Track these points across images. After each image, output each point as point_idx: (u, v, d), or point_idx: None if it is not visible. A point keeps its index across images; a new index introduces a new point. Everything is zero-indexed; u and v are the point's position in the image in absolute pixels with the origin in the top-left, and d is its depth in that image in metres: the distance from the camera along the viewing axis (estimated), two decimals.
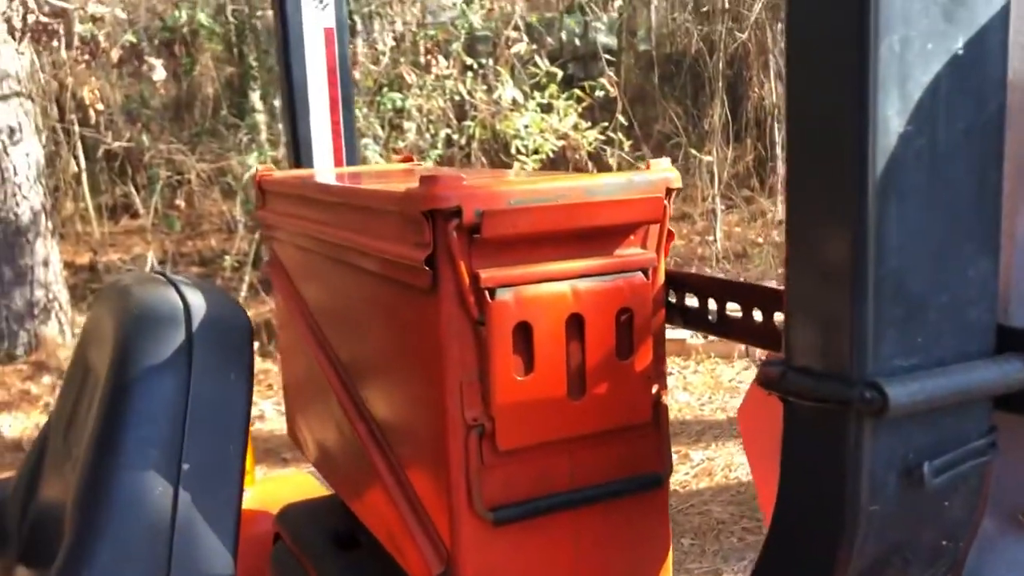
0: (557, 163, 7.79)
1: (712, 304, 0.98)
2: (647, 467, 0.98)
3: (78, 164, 8.23)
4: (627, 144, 8.14)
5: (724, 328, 0.97)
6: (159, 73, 4.96)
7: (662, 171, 0.95)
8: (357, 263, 1.06)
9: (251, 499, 1.84)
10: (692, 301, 1.01)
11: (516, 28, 6.52)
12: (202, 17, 5.41)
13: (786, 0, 0.63)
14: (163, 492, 0.88)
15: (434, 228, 0.86)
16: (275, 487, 1.88)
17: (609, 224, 0.93)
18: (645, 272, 0.95)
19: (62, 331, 5.94)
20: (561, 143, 7.20)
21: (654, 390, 0.97)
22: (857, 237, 0.59)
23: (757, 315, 0.93)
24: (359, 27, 7.34)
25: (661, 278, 0.97)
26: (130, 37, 5.18)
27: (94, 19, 5.15)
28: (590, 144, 7.46)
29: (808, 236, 0.63)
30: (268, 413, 4.91)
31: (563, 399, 0.92)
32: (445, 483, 0.92)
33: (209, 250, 8.83)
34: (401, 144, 6.37)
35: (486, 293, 0.87)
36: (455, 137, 7.06)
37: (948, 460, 0.63)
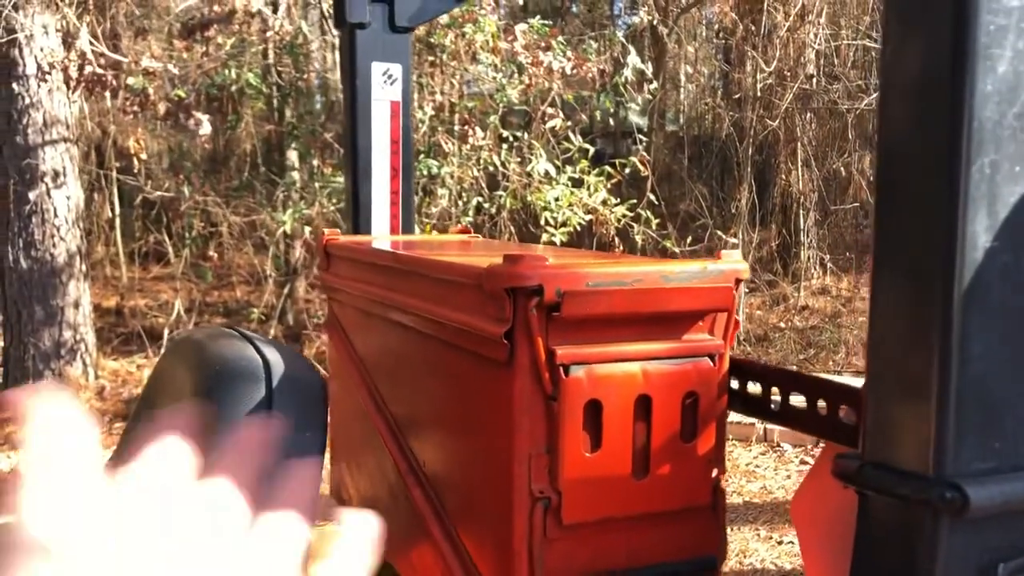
0: (584, 236, 7.88)
1: (775, 394, 1.01)
2: (703, 550, 1.00)
3: (112, 210, 8.40)
4: (655, 222, 8.23)
5: (787, 418, 0.99)
6: (205, 128, 5.10)
7: (733, 262, 0.99)
8: (427, 331, 1.09)
9: None
10: (754, 388, 1.04)
11: (552, 104, 6.67)
12: (251, 77, 5.58)
13: (878, 118, 0.67)
14: None
15: (515, 304, 0.90)
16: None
17: (681, 310, 0.96)
18: (712, 358, 0.98)
19: (86, 372, 5.99)
20: (589, 217, 7.29)
21: (714, 474, 0.99)
22: (942, 346, 0.62)
23: (821, 405, 0.95)
24: None
25: (726, 364, 1.01)
26: (179, 92, 5.34)
27: (146, 73, 5.32)
28: (618, 220, 7.56)
29: (892, 339, 0.66)
30: None
31: (627, 477, 0.94)
32: (507, 553, 0.94)
33: (235, 301, 8.92)
34: (433, 210, 6.49)
35: (560, 369, 0.91)
36: (486, 206, 7.17)
37: (1022, 563, 0.65)
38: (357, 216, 1.80)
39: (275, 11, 5.64)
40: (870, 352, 0.68)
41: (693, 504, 0.98)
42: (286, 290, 6.89)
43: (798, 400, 0.96)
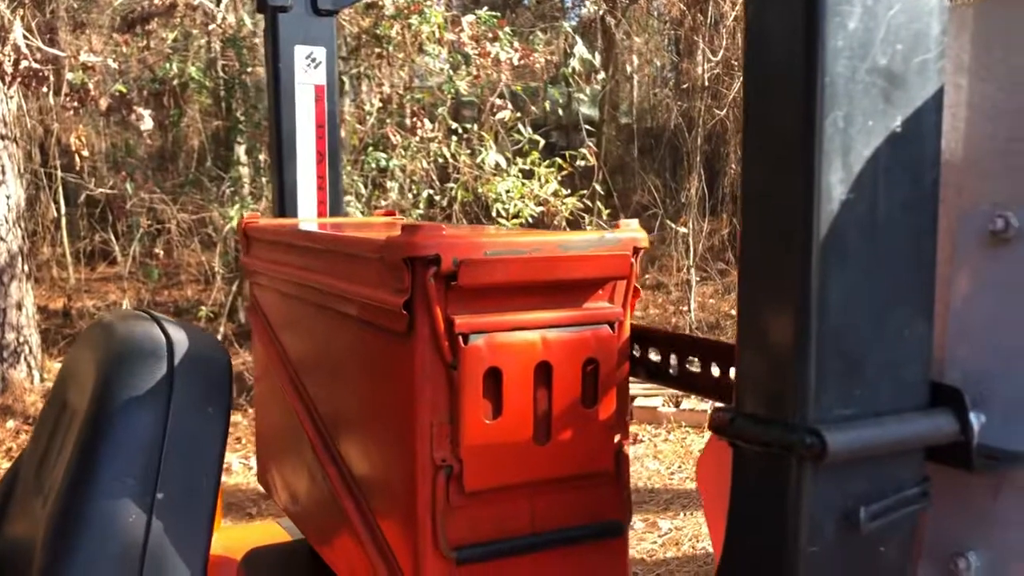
0: (536, 228, 7.87)
1: (673, 359, 1.03)
2: (607, 515, 1.02)
3: (58, 209, 8.24)
4: (605, 213, 8.28)
5: (683, 381, 1.02)
6: (147, 123, 5.02)
7: (631, 231, 1.01)
8: (338, 308, 1.10)
9: (215, 544, 1.84)
10: (656, 356, 1.06)
11: (501, 96, 6.67)
12: (193, 71, 5.50)
13: (744, 77, 0.69)
14: (136, 520, 0.91)
15: (413, 274, 0.91)
16: (240, 533, 1.88)
17: (579, 278, 0.98)
18: (611, 325, 1.00)
19: (31, 375, 5.88)
20: (541, 209, 7.31)
21: (616, 439, 1.01)
22: (801, 295, 0.64)
23: (715, 370, 0.97)
24: (347, 87, 7.48)
25: (627, 332, 1.02)
26: (119, 87, 5.25)
27: (85, 68, 5.23)
28: (569, 211, 7.58)
29: (757, 293, 0.68)
30: (235, 467, 4.86)
31: (529, 444, 0.96)
32: (412, 522, 0.95)
33: (185, 300, 8.81)
34: (383, 203, 6.46)
35: (460, 338, 0.92)
36: (437, 198, 7.16)
37: (883, 506, 0.67)
38: (283, 200, 1.79)
39: (218, 3, 5.57)
40: (739, 305, 0.70)
41: (596, 469, 1.00)
42: (235, 287, 6.81)
43: (695, 364, 0.98)
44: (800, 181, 0.64)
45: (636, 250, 1.01)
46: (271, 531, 1.88)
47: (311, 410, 1.24)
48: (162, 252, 7.43)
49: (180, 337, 1.04)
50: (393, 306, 0.93)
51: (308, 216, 1.79)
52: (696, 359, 1.00)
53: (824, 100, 0.63)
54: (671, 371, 1.03)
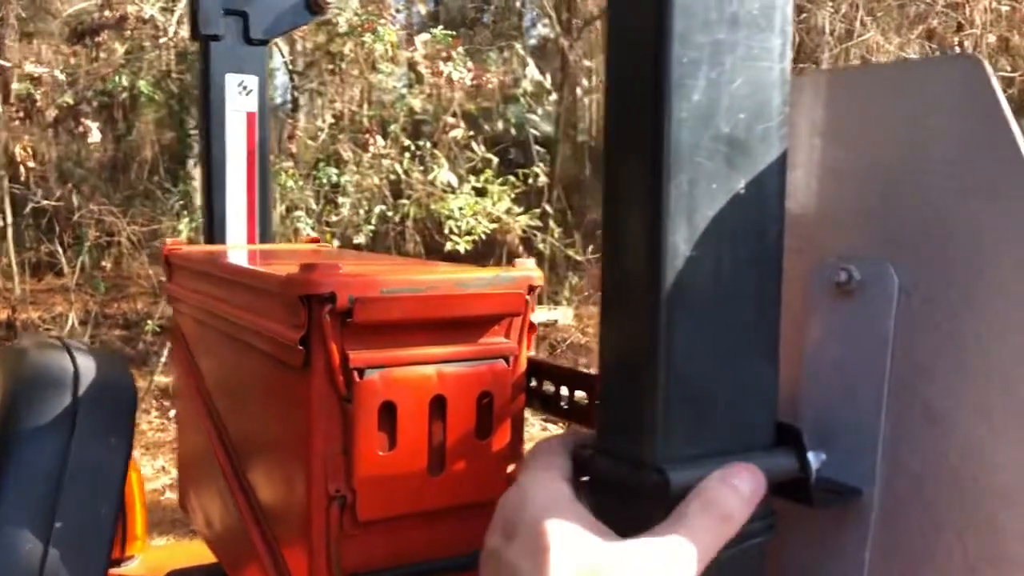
0: (490, 245, 7.94)
1: (564, 391, 1.08)
2: None
3: (3, 219, 8.12)
4: (558, 231, 8.36)
5: (573, 414, 1.06)
6: (94, 135, 5.00)
7: (526, 270, 1.06)
8: (244, 339, 1.13)
9: (140, 565, 1.85)
10: (550, 388, 1.11)
11: (454, 115, 6.73)
12: (142, 84, 5.48)
13: (603, 137, 0.74)
14: (33, 548, 0.93)
15: (309, 311, 0.94)
16: (166, 554, 1.90)
17: (475, 315, 1.02)
18: (507, 359, 1.04)
19: None
20: (494, 226, 7.37)
21: (510, 469, 1.05)
22: (650, 343, 0.69)
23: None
24: (302, 102, 7.49)
25: (522, 366, 1.07)
26: (68, 99, 5.21)
27: (32, 78, 5.19)
28: (522, 229, 7.64)
29: (613, 339, 0.73)
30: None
31: (423, 474, 1.00)
32: (308, 550, 0.98)
33: (134, 313, 8.71)
34: (335, 218, 6.47)
35: (355, 373, 0.95)
36: (390, 214, 7.19)
37: (730, 540, 0.72)
38: (212, 227, 1.82)
39: (169, 17, 5.56)
40: (600, 346, 0.75)
41: (489, 498, 1.03)
42: None
43: (582, 397, 1.03)
44: (647, 239, 0.69)
45: (531, 288, 1.05)
46: (198, 552, 1.89)
47: (223, 437, 1.26)
48: (110, 265, 7.35)
49: (88, 365, 1.06)
50: (291, 341, 0.96)
51: (237, 242, 1.82)
52: (584, 392, 1.05)
53: (669, 165, 0.68)
54: (563, 404, 1.08)
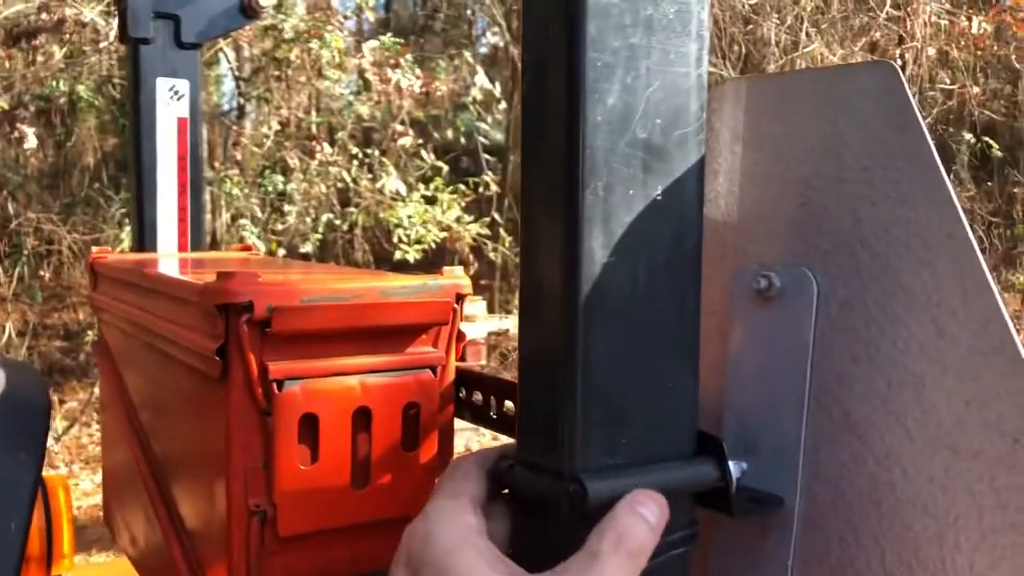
0: (440, 254, 7.91)
1: (494, 401, 1.06)
2: None
3: None
4: (508, 240, 8.35)
5: (502, 424, 1.05)
6: (31, 141, 4.87)
7: (454, 278, 1.04)
8: (165, 350, 1.09)
9: None
10: (479, 398, 1.09)
11: (403, 122, 6.70)
12: (81, 89, 5.36)
13: (520, 143, 0.73)
14: None
15: (227, 321, 0.92)
16: (94, 574, 1.83)
17: (400, 324, 1.00)
18: (433, 370, 1.02)
19: None
20: (444, 235, 7.34)
21: (437, 481, 1.03)
22: (566, 350, 0.68)
23: None
24: (248, 109, 7.39)
25: (451, 376, 1.05)
26: (3, 103, 5.08)
27: None
28: (472, 238, 7.61)
29: (530, 348, 0.72)
30: None
31: (347, 488, 0.97)
32: (228, 567, 0.95)
33: (75, 323, 8.51)
34: (280, 227, 6.39)
35: (274, 385, 0.93)
36: (337, 223, 7.12)
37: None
38: (142, 234, 1.77)
39: (109, 21, 5.44)
40: (519, 353, 0.74)
41: (416, 511, 1.01)
42: None
43: (510, 408, 1.02)
44: (563, 246, 0.68)
45: (459, 296, 1.04)
46: (124, 570, 1.84)
47: (147, 453, 1.22)
48: (50, 274, 7.18)
49: None
50: (208, 351, 0.93)
51: (168, 250, 1.77)
52: (512, 403, 1.03)
53: (585, 171, 0.67)
54: (492, 414, 1.06)
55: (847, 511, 0.73)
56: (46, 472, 1.22)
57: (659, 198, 0.70)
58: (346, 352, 0.97)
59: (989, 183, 10.57)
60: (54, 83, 5.43)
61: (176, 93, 1.79)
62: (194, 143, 1.82)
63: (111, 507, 1.46)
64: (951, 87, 9.32)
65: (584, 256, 0.67)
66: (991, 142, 9.41)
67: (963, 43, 8.83)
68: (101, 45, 5.53)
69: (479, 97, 6.97)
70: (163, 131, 1.78)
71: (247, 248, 1.66)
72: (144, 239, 1.77)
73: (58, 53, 5.57)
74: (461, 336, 1.06)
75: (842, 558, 0.73)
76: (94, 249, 1.51)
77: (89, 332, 6.56)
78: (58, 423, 6.49)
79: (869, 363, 0.72)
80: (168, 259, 1.59)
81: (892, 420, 0.70)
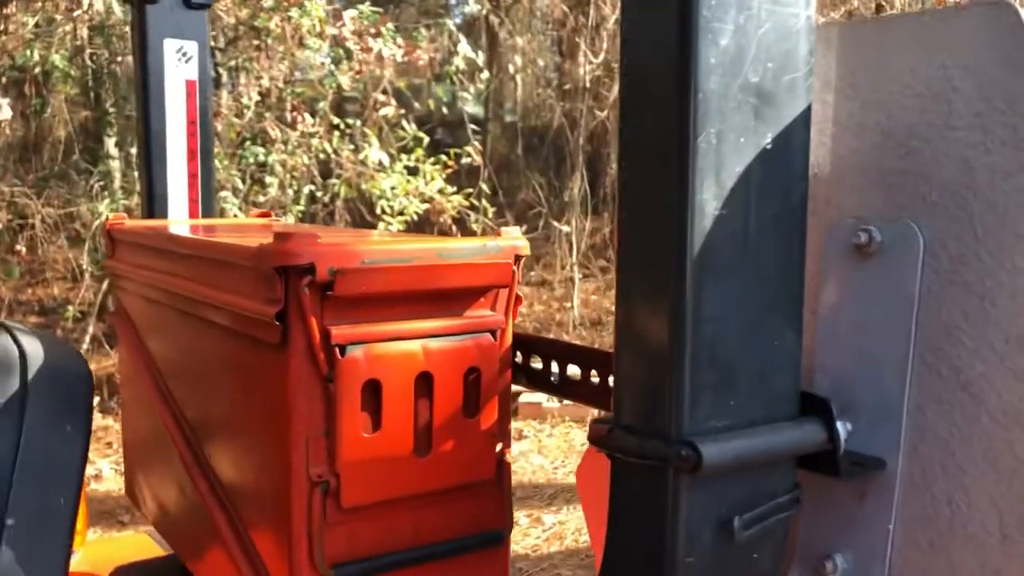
0: (422, 225, 7.84)
1: (555, 366, 1.03)
2: (489, 524, 1.01)
3: None
4: (491, 211, 8.29)
5: (564, 389, 1.02)
6: (4, 112, 4.73)
7: (513, 239, 1.00)
8: (207, 316, 1.05)
9: (81, 561, 1.75)
10: (537, 363, 1.06)
11: (384, 92, 6.59)
12: (56, 59, 5.21)
13: (620, 88, 0.69)
14: None
15: (286, 284, 0.87)
16: (107, 548, 1.79)
17: (460, 287, 0.96)
18: (493, 334, 0.99)
19: None
20: (426, 206, 7.26)
21: (498, 448, 1.00)
22: (675, 309, 0.65)
23: (595, 378, 0.98)
24: (224, 79, 7.24)
25: (509, 340, 1.02)
26: None
27: None
28: (454, 209, 7.56)
29: (633, 306, 0.69)
30: (105, 472, 4.65)
31: (409, 456, 0.94)
32: (287, 540, 0.91)
33: (51, 299, 8.35)
34: (262, 199, 6.28)
35: (336, 350, 0.89)
36: (319, 194, 7.01)
37: (756, 514, 0.69)
38: (152, 201, 1.71)
39: None
40: (617, 316, 0.70)
41: (478, 479, 0.99)
42: (105, 285, 6.49)
43: (575, 372, 0.99)
44: (674, 197, 0.64)
45: (518, 258, 1.00)
46: (142, 544, 1.79)
47: (180, 421, 1.18)
48: (24, 248, 7.03)
49: (35, 349, 0.97)
50: (266, 316, 0.89)
51: (178, 217, 1.71)
52: (576, 366, 1.00)
53: (698, 118, 0.63)
54: (552, 378, 1.03)
55: (958, 472, 0.70)
56: None
57: (768, 147, 0.67)
58: (407, 316, 0.94)
59: None
60: (27, 52, 5.27)
61: (184, 55, 1.73)
62: (203, 107, 1.75)
63: (135, 478, 1.42)
64: None
65: (696, 208, 0.64)
66: None
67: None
68: (75, 14, 5.37)
69: (462, 66, 6.87)
70: (172, 95, 1.72)
71: (266, 215, 1.61)
72: (154, 206, 1.70)
73: (29, 22, 5.41)
74: (519, 299, 1.02)
75: (953, 521, 0.71)
76: (110, 216, 1.45)
77: (69, 307, 6.44)
78: None
79: (984, 319, 0.69)
80: (189, 226, 1.54)
81: (1010, 377, 0.67)
